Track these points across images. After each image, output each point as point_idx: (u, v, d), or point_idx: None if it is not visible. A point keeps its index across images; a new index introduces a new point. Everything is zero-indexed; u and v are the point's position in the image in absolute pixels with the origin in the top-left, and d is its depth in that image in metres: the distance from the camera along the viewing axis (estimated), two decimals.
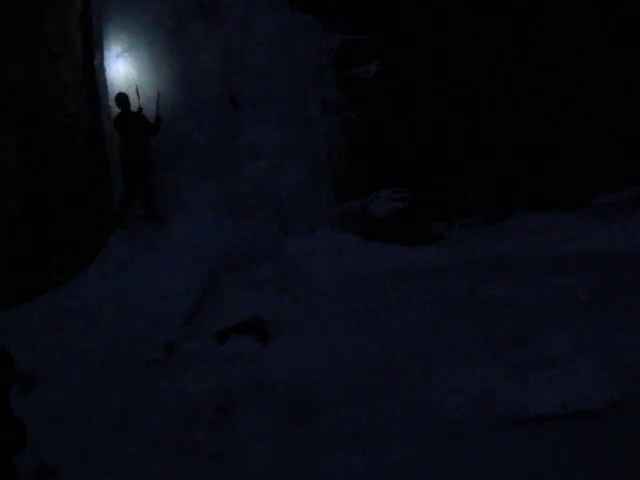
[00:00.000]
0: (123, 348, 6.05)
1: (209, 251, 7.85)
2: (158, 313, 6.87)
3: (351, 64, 9.62)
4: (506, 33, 9.18)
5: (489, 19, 9.26)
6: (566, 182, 8.71)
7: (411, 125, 9.22)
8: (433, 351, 5.07)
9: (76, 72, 8.61)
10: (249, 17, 9.20)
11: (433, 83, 9.32)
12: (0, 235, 7.83)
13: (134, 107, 8.31)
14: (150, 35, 8.69)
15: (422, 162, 9.16)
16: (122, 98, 8.20)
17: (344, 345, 5.41)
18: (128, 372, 5.55)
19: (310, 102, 9.23)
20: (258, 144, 8.81)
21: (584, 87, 8.89)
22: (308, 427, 4.50)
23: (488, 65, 9.17)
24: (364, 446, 4.17)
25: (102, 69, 8.78)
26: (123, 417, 4.89)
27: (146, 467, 4.26)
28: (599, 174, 8.59)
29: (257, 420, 4.61)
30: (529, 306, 5.57)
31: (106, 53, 8.74)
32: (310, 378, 4.98)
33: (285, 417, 4.62)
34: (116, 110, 8.39)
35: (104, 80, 8.74)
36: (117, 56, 8.68)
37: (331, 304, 6.37)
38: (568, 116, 8.87)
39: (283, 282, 7.30)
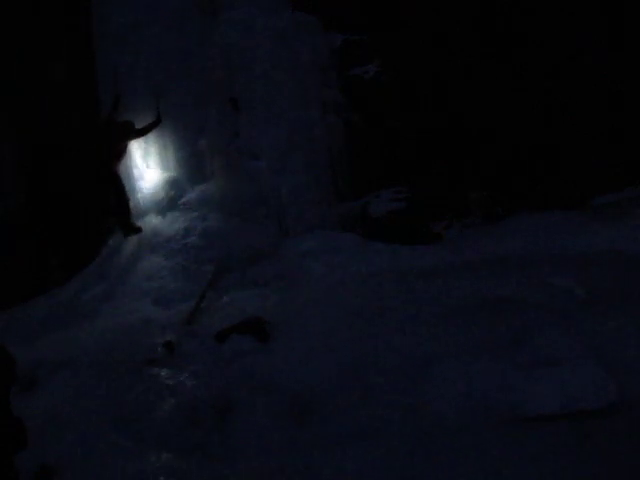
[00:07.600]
0: (123, 348, 6.05)
1: (209, 251, 7.86)
2: (158, 313, 6.88)
3: (351, 64, 9.61)
4: (507, 33, 9.18)
5: (489, 19, 9.26)
6: (566, 182, 8.71)
7: (411, 125, 9.22)
8: (432, 351, 5.07)
9: (76, 73, 8.64)
10: (249, 17, 9.20)
11: (433, 83, 9.31)
12: (0, 235, 7.85)
13: (153, 116, 8.35)
14: (149, 34, 8.69)
15: (422, 162, 9.16)
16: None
17: (344, 345, 5.41)
18: (128, 372, 5.55)
19: (310, 102, 9.23)
20: (258, 144, 8.82)
21: (584, 87, 8.89)
22: (308, 427, 4.50)
23: (489, 65, 9.16)
24: (364, 446, 4.17)
25: (101, 70, 8.81)
26: (123, 417, 4.88)
27: (146, 467, 4.26)
28: (599, 174, 8.59)
29: (257, 420, 4.61)
30: (529, 306, 5.57)
31: (105, 53, 8.75)
32: (310, 378, 4.98)
33: (285, 417, 4.62)
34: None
35: (103, 81, 8.76)
36: (116, 56, 8.69)
37: (331, 304, 6.37)
38: (568, 116, 8.86)
39: (283, 282, 7.31)
